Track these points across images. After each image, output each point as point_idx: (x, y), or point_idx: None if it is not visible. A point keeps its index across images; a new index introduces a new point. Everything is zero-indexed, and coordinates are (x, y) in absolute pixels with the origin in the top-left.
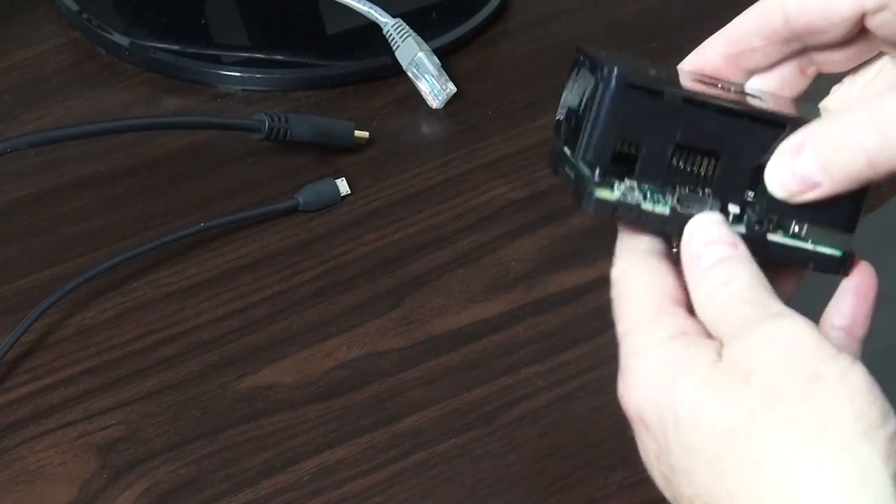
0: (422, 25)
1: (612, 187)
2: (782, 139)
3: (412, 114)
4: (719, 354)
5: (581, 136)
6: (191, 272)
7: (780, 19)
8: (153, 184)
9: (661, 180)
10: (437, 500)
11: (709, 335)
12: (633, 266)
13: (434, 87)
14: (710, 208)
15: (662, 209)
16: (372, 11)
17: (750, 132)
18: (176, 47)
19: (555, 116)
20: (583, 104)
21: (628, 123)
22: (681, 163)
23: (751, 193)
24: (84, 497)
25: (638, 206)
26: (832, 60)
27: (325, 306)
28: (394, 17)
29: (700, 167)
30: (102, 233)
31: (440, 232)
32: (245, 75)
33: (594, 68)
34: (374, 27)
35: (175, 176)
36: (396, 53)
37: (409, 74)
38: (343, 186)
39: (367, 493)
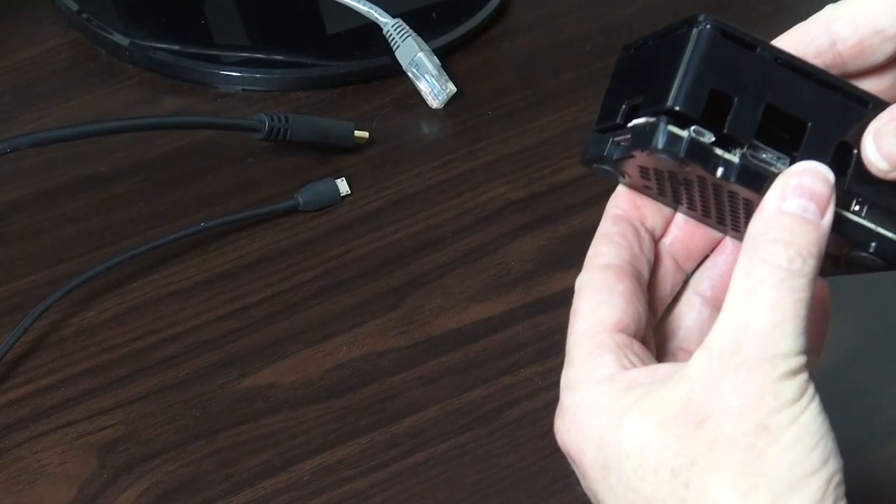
0: (422, 25)
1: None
2: (870, 116)
3: (412, 114)
4: (669, 382)
5: (669, 87)
6: (191, 272)
7: (824, 41)
8: (153, 184)
9: (746, 139)
10: (437, 500)
11: (643, 354)
12: (590, 281)
13: (434, 87)
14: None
15: (733, 157)
16: (372, 11)
17: (840, 105)
18: (176, 47)
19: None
20: (661, 66)
21: (723, 74)
22: (766, 124)
23: None
24: (84, 497)
25: (710, 147)
26: (871, 88)
27: (325, 306)
28: (394, 17)
29: (782, 133)
30: (102, 233)
31: (440, 232)
32: (245, 75)
33: (680, 26)
34: (374, 27)
35: (175, 176)
36: (396, 53)
37: (409, 74)
38: (343, 186)
39: (367, 493)
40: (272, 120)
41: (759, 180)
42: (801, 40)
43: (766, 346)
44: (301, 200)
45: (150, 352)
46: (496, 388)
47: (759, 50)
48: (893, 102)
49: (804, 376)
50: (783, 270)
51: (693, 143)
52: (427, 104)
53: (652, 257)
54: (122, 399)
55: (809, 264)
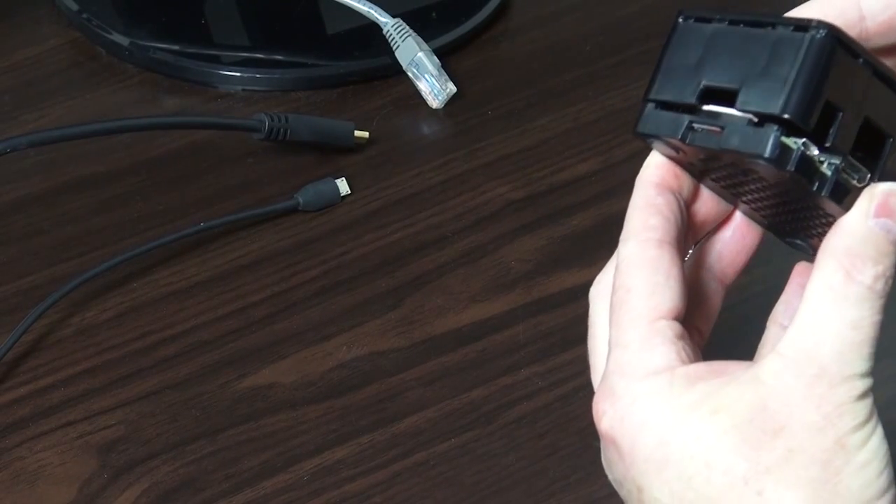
0: (422, 25)
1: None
2: None
3: (412, 114)
4: (738, 382)
5: (780, 92)
6: (191, 272)
7: (854, 15)
8: (153, 184)
9: (843, 153)
10: (437, 500)
11: (694, 347)
12: (644, 258)
13: (434, 87)
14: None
15: (827, 171)
16: (372, 11)
17: None
18: (176, 47)
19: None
20: (764, 62)
21: (836, 87)
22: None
23: None
24: (84, 497)
25: (817, 162)
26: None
27: (325, 306)
28: (394, 17)
29: (869, 146)
30: (102, 233)
31: (440, 232)
32: (245, 75)
33: (782, 23)
34: (374, 27)
35: (175, 176)
36: (396, 53)
37: (409, 74)
38: (343, 186)
39: (367, 493)
40: (272, 120)
41: (844, 194)
42: (830, 11)
43: (845, 364)
44: (301, 200)
45: (150, 352)
46: (496, 388)
47: (861, 61)
48: None
49: (872, 398)
50: (866, 289)
51: (803, 157)
52: (427, 104)
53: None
54: (122, 399)
55: (889, 286)
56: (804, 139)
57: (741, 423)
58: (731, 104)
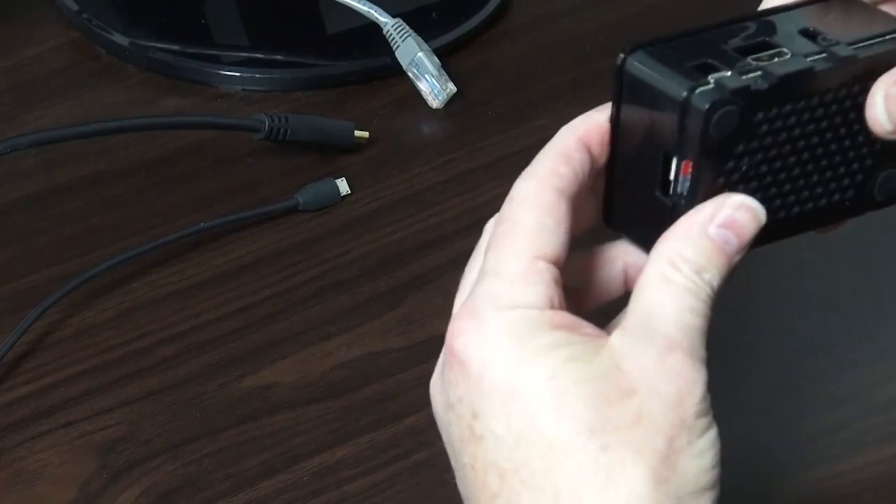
0: (422, 25)
1: None
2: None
3: (412, 114)
4: (597, 340)
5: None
6: (191, 272)
7: None
8: (153, 184)
9: None
10: (437, 500)
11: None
12: (541, 198)
13: (434, 87)
14: None
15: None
16: (372, 11)
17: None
18: (176, 47)
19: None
20: None
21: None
22: None
23: None
24: (84, 497)
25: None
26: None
27: (325, 306)
28: (394, 17)
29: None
30: (102, 233)
31: (440, 232)
32: (245, 75)
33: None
34: (374, 27)
35: (175, 176)
36: (396, 53)
37: (409, 74)
38: (343, 186)
39: (367, 493)
40: (272, 120)
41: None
42: None
43: (694, 342)
44: (301, 200)
45: (150, 352)
46: None
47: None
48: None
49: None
50: (695, 285)
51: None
52: (427, 104)
53: None
54: (122, 399)
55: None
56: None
57: (597, 377)
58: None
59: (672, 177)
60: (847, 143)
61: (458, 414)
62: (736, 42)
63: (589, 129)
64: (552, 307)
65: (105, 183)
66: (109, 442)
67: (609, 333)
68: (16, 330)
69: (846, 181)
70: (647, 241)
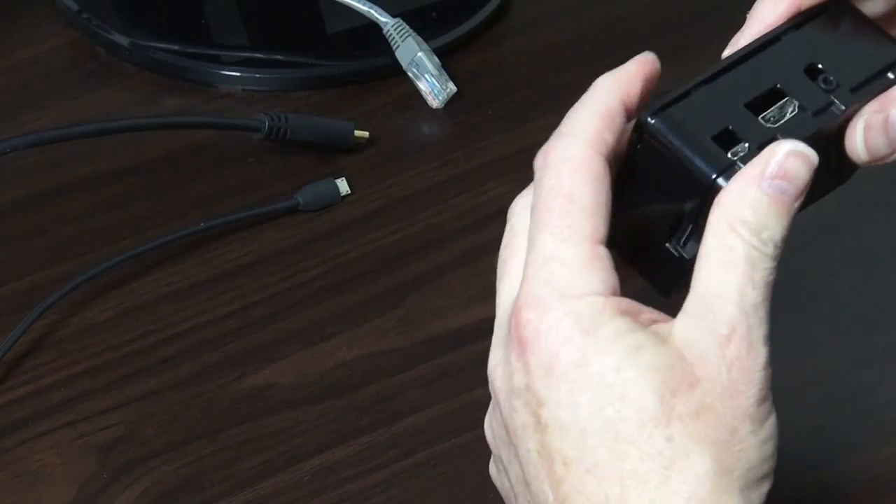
0: (422, 25)
1: None
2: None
3: (412, 114)
4: (661, 327)
5: None
6: (191, 272)
7: None
8: (153, 184)
9: None
10: (437, 500)
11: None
12: (590, 166)
13: (434, 86)
14: None
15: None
16: (372, 11)
17: None
18: (176, 47)
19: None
20: None
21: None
22: None
23: None
24: (84, 497)
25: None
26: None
27: (325, 306)
28: (394, 16)
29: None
30: (102, 233)
31: (440, 232)
32: (245, 75)
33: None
34: (374, 27)
35: (175, 176)
36: (396, 53)
37: (409, 74)
38: (343, 186)
39: (367, 493)
40: (272, 120)
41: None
42: None
43: (753, 327)
44: (301, 200)
45: (150, 352)
46: None
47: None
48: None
49: (770, 371)
50: (756, 250)
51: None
52: (427, 104)
53: None
54: (122, 399)
55: (782, 246)
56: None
57: (663, 367)
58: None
59: (684, 235)
60: (834, 151)
61: (523, 401)
62: (747, 90)
63: (631, 90)
64: (615, 294)
65: (105, 183)
66: (109, 442)
67: (670, 316)
68: (16, 330)
69: (832, 178)
70: (654, 281)
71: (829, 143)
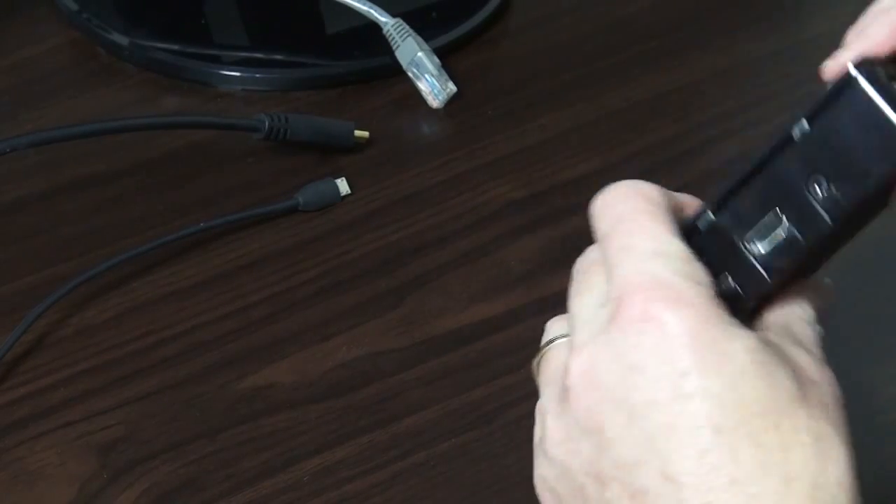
0: (422, 25)
1: None
2: None
3: (412, 114)
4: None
5: None
6: (191, 272)
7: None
8: (153, 184)
9: None
10: (437, 500)
11: None
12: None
13: (434, 86)
14: None
15: None
16: (372, 11)
17: None
18: (176, 47)
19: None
20: None
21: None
22: None
23: None
24: (84, 497)
25: None
26: None
27: (325, 306)
28: (394, 16)
29: None
30: (102, 233)
31: (440, 232)
32: (245, 75)
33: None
34: (374, 27)
35: (175, 176)
36: (396, 53)
37: (409, 74)
38: (343, 186)
39: (367, 493)
40: (272, 120)
41: None
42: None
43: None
44: (301, 200)
45: (150, 352)
46: (496, 388)
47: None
48: None
49: None
50: None
51: None
52: (427, 104)
53: None
54: (122, 399)
55: None
56: None
57: (785, 360)
58: None
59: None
60: None
61: (673, 384)
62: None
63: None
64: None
65: (105, 183)
66: (109, 442)
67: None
68: (16, 330)
69: None
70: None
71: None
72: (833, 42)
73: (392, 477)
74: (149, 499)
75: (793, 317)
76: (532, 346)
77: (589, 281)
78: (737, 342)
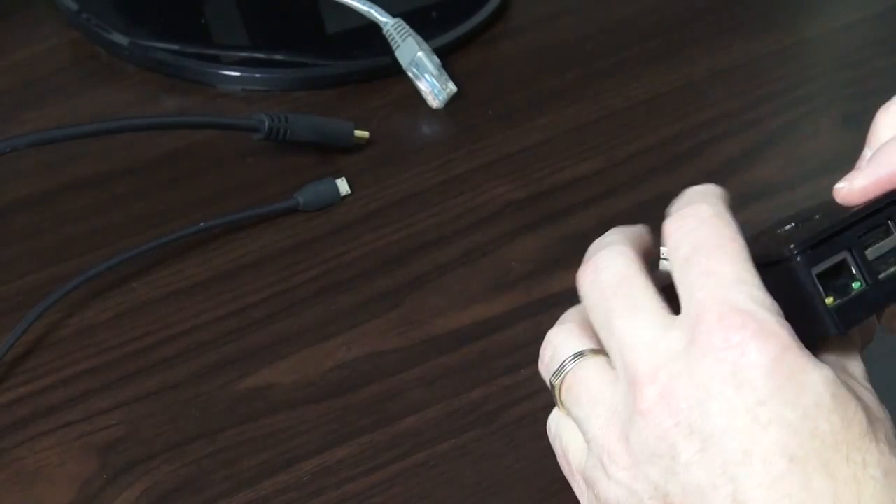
0: (422, 25)
1: None
2: None
3: (412, 114)
4: None
5: None
6: (191, 272)
7: None
8: (153, 184)
9: None
10: (437, 500)
11: None
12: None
13: (434, 86)
14: None
15: None
16: (372, 11)
17: None
18: (176, 47)
19: None
20: None
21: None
22: None
23: None
24: (84, 497)
25: None
26: None
27: (325, 306)
28: (394, 16)
29: None
30: (102, 233)
31: (440, 232)
32: (245, 75)
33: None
34: (374, 27)
35: (175, 176)
36: (396, 53)
37: (409, 74)
38: (343, 186)
39: (367, 493)
40: (272, 120)
41: None
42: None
43: None
44: (301, 200)
45: (150, 352)
46: (496, 388)
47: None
48: None
49: None
50: None
51: None
52: (427, 104)
53: None
54: (122, 399)
55: None
56: None
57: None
58: None
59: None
60: None
61: (750, 412)
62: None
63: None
64: None
65: (105, 183)
66: (109, 442)
67: None
68: (15, 330)
69: None
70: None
71: None
72: (833, 42)
73: (392, 477)
74: (149, 499)
75: (847, 354)
76: (532, 346)
77: (635, 301)
78: (814, 374)
